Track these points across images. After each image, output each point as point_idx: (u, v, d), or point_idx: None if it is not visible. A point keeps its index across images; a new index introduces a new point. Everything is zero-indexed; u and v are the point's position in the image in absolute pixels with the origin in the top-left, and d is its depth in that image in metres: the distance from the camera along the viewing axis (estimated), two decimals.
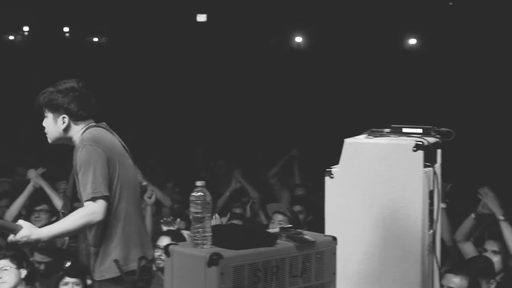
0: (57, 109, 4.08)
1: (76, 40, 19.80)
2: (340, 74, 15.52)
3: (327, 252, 3.51)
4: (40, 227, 6.41)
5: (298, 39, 21.47)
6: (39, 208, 6.77)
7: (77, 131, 4.09)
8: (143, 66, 17.65)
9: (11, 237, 3.82)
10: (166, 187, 8.69)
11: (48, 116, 4.13)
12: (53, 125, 4.12)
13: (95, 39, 21.02)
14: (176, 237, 5.77)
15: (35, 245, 4.07)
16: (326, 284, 3.51)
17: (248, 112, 14.43)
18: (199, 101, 15.50)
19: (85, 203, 3.86)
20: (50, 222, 6.72)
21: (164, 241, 5.64)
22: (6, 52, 18.17)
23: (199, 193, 3.31)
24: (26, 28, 19.71)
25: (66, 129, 4.09)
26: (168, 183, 8.92)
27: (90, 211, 3.83)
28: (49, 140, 4.20)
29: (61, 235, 3.96)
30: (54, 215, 6.83)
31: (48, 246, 5.56)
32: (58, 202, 6.67)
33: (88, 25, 19.58)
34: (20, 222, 3.86)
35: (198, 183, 3.34)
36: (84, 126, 4.08)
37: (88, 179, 3.85)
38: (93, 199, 3.84)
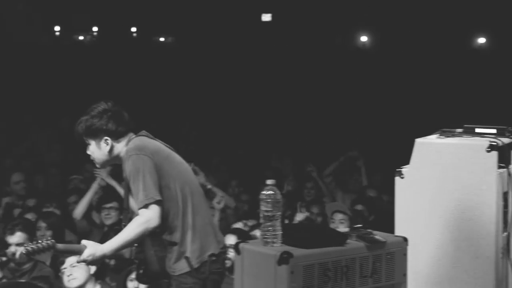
0: (97, 134, 4.15)
1: (143, 40, 20.09)
2: (407, 73, 15.31)
3: (397, 253, 3.48)
4: (110, 224, 6.69)
5: (364, 38, 21.26)
6: (109, 205, 6.85)
7: (122, 148, 4.16)
8: (207, 66, 17.80)
9: (78, 258, 4.00)
10: (230, 186, 8.74)
11: (90, 144, 4.19)
12: (98, 151, 4.19)
13: (162, 39, 21.28)
14: (242, 235, 5.79)
15: (101, 261, 4.16)
16: (396, 285, 3.48)
17: (312, 111, 14.38)
18: (262, 99, 15.53)
19: (139, 211, 3.94)
20: (119, 220, 6.88)
21: (230, 239, 5.66)
22: (76, 52, 18.59)
23: (269, 192, 3.33)
24: (95, 29, 20.11)
25: (111, 150, 4.16)
26: (232, 181, 8.96)
27: (145, 218, 3.92)
28: (98, 166, 4.31)
29: (123, 247, 4.04)
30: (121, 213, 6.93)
31: None
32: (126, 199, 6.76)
33: (155, 25, 19.85)
34: (84, 242, 3.99)
35: (269, 182, 3.35)
36: (127, 141, 4.16)
37: (139, 188, 3.93)
38: (146, 206, 3.92)
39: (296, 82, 16.19)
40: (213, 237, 4.10)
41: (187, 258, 3.99)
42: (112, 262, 6.00)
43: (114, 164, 4.42)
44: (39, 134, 11.07)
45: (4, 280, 5.09)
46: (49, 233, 6.27)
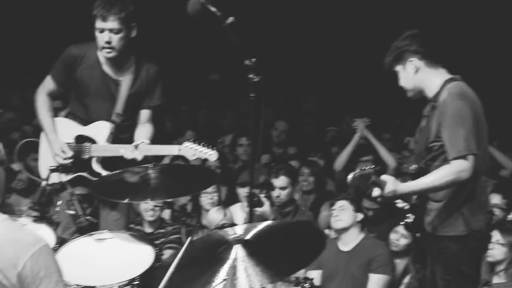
0: (402, 56, 3.95)
1: None
2: None
3: None
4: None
5: None
6: (365, 158, 6.87)
7: (432, 81, 3.90)
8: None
9: (376, 192, 3.79)
10: None
11: (400, 71, 3.99)
12: (405, 75, 3.98)
13: None
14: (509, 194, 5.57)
15: (397, 199, 3.92)
16: None
17: None
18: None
19: (453, 161, 3.70)
20: (375, 172, 6.88)
21: (495, 198, 5.47)
22: None
23: None
24: None
25: (417, 71, 3.92)
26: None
27: (459, 168, 3.69)
28: (408, 94, 4.02)
29: (424, 191, 3.86)
30: (379, 165, 6.92)
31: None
32: (383, 152, 6.77)
33: None
34: (384, 177, 3.79)
35: None
36: (442, 78, 3.89)
37: (459, 135, 3.69)
38: (465, 156, 3.69)
39: None
40: (485, 206, 3.94)
41: (464, 217, 3.83)
42: (370, 213, 6.06)
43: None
44: (298, 85, 11.36)
45: (275, 220, 5.34)
46: (311, 179, 6.49)
